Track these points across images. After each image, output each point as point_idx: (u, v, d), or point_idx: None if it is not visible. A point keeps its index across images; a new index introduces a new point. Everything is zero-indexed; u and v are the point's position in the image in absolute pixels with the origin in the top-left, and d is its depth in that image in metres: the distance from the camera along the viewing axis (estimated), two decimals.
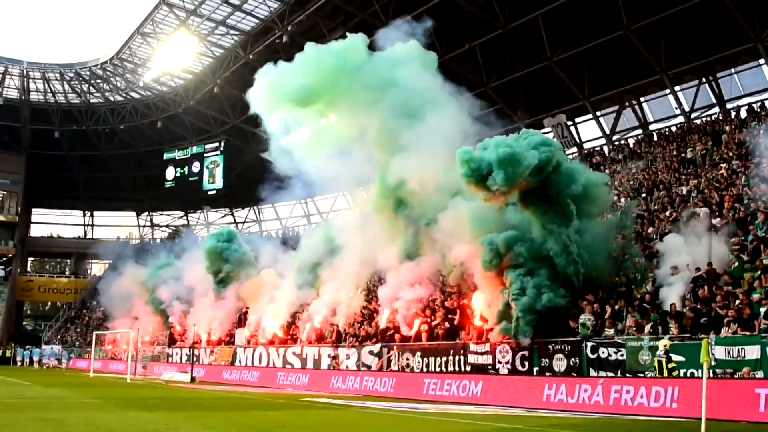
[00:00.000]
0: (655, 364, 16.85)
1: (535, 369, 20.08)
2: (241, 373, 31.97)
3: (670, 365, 16.20)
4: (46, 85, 58.86)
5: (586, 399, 16.88)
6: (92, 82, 57.63)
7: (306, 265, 33.29)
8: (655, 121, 36.41)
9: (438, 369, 22.78)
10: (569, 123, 37.70)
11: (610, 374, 17.79)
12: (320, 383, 26.04)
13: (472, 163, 20.55)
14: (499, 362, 21.06)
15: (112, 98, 59.23)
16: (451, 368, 22.37)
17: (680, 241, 20.58)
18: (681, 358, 16.56)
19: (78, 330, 59.62)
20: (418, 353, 23.82)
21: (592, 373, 18.44)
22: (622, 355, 17.99)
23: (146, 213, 70.05)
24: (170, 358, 39.89)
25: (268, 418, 15.08)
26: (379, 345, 25.67)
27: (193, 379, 31.49)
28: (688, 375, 16.19)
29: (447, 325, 24.25)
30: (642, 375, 17.19)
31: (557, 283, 20.99)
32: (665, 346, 16.39)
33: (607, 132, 37.79)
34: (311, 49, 26.82)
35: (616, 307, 19.76)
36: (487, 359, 21.43)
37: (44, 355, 54.26)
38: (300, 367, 29.10)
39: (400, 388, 22.24)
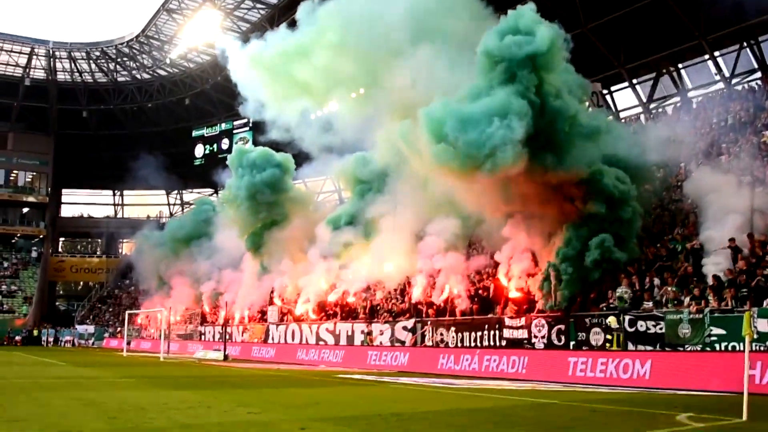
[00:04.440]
0: (609, 336, 18.01)
1: (572, 343, 19.71)
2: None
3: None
4: (73, 65, 59.21)
5: None
6: (119, 60, 57.77)
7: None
8: (694, 88, 35.34)
9: (473, 344, 22.42)
10: (605, 91, 36.79)
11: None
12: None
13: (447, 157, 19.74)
14: (535, 336, 20.72)
15: (138, 76, 59.40)
16: (486, 343, 22.04)
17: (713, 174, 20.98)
18: (722, 332, 16.14)
19: (111, 309, 60.19)
20: (453, 328, 23.49)
21: (630, 347, 17.97)
22: (661, 329, 17.61)
23: (176, 191, 70.25)
24: (203, 336, 39.96)
25: (302, 395, 14.88)
26: (412, 320, 25.33)
27: (226, 357, 31.42)
28: (729, 349, 15.74)
29: (482, 293, 24.04)
30: (682, 349, 16.77)
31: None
32: (613, 322, 18.02)
33: (644, 100, 36.82)
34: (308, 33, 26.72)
35: (656, 279, 19.29)
36: (522, 333, 21.13)
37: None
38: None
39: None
